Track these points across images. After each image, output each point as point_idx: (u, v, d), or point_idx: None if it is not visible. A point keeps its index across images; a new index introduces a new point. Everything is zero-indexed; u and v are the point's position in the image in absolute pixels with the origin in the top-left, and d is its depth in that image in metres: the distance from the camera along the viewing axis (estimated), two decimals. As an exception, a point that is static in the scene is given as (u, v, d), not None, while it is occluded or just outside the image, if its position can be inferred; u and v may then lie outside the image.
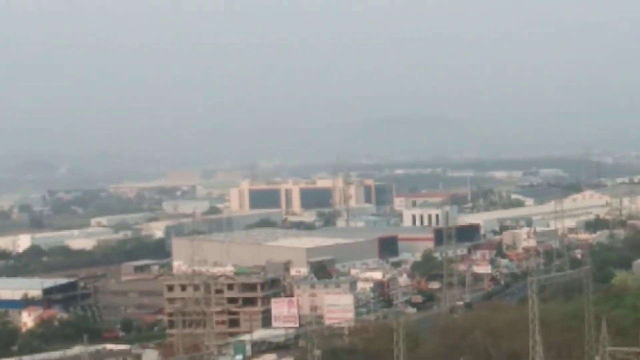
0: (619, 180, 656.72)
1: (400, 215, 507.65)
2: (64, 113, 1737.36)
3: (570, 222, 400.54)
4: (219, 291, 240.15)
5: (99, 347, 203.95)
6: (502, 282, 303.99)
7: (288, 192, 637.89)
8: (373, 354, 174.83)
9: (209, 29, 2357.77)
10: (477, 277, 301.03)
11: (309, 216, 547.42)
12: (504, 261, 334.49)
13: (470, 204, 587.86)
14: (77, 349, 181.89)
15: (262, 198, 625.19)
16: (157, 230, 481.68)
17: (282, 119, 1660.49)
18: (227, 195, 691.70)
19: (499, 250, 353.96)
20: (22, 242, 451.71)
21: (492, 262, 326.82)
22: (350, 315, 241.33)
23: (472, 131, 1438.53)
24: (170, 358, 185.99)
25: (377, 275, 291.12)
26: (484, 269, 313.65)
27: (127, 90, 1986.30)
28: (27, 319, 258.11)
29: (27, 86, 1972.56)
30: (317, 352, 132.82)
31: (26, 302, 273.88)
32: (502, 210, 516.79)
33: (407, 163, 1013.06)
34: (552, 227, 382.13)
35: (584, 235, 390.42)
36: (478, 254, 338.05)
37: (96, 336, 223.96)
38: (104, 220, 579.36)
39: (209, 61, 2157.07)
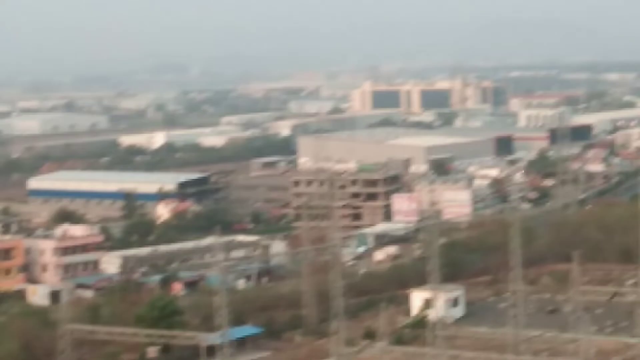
0: None
1: (515, 115, 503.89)
2: (196, 15, 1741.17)
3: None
4: (342, 187, 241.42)
5: (230, 238, 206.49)
6: (614, 180, 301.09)
7: (408, 93, 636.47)
8: (489, 247, 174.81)
9: None
10: (590, 175, 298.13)
11: (428, 116, 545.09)
12: (617, 160, 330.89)
13: (583, 105, 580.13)
14: (209, 240, 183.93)
15: (384, 99, 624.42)
16: (284, 129, 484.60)
17: (402, 22, 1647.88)
18: (350, 95, 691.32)
19: (612, 149, 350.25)
20: (157, 139, 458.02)
21: (604, 160, 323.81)
22: (468, 210, 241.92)
23: (586, 34, 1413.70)
24: (296, 249, 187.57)
25: (494, 172, 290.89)
26: (596, 167, 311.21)
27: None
28: (163, 211, 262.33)
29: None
30: (436, 245, 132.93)
31: (161, 196, 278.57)
32: (615, 111, 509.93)
33: (522, 65, 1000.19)
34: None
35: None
36: (591, 153, 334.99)
37: (227, 228, 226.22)
38: (233, 119, 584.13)
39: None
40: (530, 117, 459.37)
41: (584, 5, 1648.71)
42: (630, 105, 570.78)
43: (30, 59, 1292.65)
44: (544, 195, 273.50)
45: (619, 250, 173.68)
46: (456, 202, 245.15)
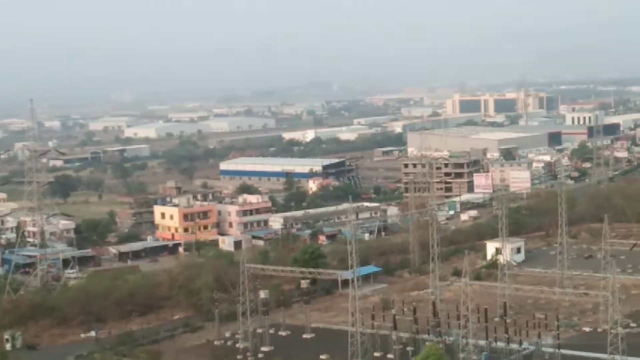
0: None
1: (563, 117, 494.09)
2: (334, 43, 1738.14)
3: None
4: (438, 168, 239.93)
5: (359, 204, 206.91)
6: (635, 163, 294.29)
7: (486, 102, 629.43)
8: (543, 211, 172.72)
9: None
10: (617, 160, 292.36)
11: (500, 118, 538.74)
12: (637, 149, 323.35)
13: (613, 110, 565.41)
14: (344, 205, 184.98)
15: (468, 106, 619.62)
16: (397, 127, 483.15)
17: (480, 49, 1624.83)
18: (444, 104, 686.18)
19: (633, 141, 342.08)
20: (309, 135, 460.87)
21: (628, 149, 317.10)
22: (528, 185, 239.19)
23: (615, 57, 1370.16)
24: (405, 212, 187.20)
25: (547, 158, 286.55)
26: (622, 154, 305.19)
27: (378, 22, 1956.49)
28: (312, 185, 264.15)
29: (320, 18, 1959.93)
30: (505, 209, 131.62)
31: (311, 174, 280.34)
32: (636, 114, 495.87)
33: (569, 81, 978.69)
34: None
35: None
36: (618, 144, 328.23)
37: (357, 197, 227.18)
38: (362, 120, 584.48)
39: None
40: (574, 118, 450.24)
41: (613, 34, 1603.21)
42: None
43: (222, 79, 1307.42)
44: (583, 174, 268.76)
45: (637, 213, 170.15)
46: (519, 179, 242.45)
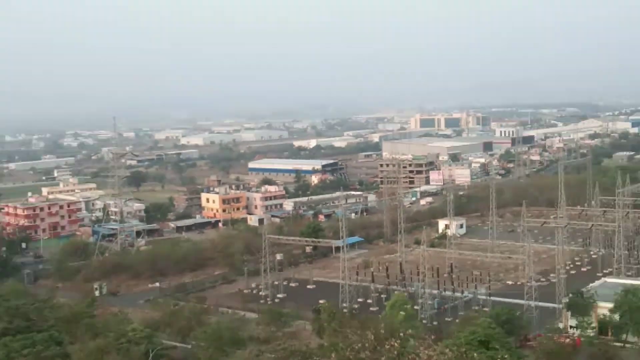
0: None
1: (494, 131, 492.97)
2: (331, 79, 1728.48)
3: (581, 134, 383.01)
4: (404, 167, 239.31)
5: (348, 192, 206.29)
6: (545, 164, 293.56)
7: (439, 120, 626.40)
8: (479, 198, 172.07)
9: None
10: (532, 162, 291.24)
11: (449, 131, 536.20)
12: (546, 154, 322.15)
13: (529, 126, 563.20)
14: (337, 193, 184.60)
15: (426, 122, 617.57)
16: (375, 138, 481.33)
17: (434, 80, 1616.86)
18: (409, 121, 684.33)
19: (544, 148, 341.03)
20: (312, 143, 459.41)
21: (540, 154, 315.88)
22: (468, 179, 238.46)
23: (534, 87, 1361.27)
24: (380, 198, 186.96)
25: (482, 160, 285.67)
26: (535, 157, 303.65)
27: (362, 63, 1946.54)
28: (314, 179, 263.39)
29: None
30: (451, 196, 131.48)
31: (314, 171, 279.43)
32: (547, 129, 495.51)
33: (497, 105, 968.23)
34: (572, 137, 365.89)
35: (587, 141, 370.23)
36: (533, 150, 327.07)
37: (346, 188, 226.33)
38: (350, 133, 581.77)
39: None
40: (501, 132, 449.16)
41: (532, 70, 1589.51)
42: (553, 125, 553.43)
43: (250, 100, 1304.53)
44: (508, 172, 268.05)
45: (546, 200, 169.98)
46: (462, 175, 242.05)
